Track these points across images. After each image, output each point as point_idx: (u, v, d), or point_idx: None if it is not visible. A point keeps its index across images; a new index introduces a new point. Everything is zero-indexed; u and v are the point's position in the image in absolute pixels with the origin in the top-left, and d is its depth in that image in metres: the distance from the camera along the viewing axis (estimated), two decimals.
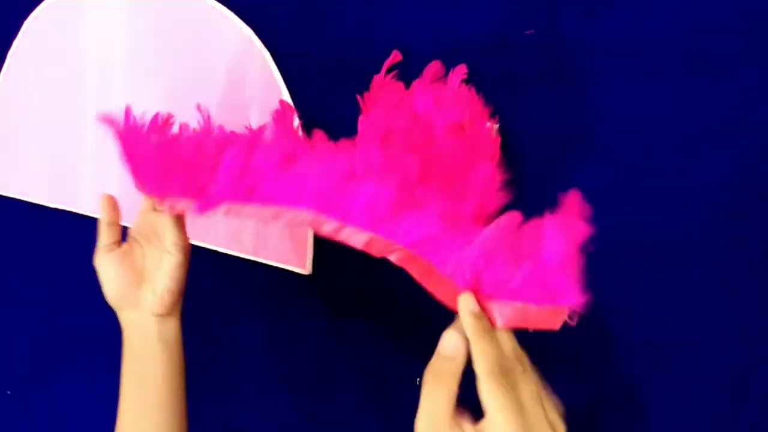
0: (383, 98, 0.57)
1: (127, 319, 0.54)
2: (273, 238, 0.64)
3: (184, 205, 0.49)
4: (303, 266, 0.63)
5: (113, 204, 0.55)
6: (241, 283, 0.66)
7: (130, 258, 0.54)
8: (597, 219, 0.58)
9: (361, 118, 0.56)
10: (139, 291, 0.53)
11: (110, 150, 0.67)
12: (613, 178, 0.57)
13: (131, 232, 0.56)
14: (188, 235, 0.54)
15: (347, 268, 0.63)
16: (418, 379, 0.61)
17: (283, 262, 0.63)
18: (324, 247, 0.63)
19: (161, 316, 0.53)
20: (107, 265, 0.53)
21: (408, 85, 0.58)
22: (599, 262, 0.57)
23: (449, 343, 0.42)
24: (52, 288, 0.71)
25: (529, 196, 0.57)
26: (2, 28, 0.70)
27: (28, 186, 0.71)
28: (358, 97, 0.57)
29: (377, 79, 0.58)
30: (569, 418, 0.58)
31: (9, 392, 0.72)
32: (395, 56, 0.59)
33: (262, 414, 0.66)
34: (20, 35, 0.70)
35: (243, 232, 0.64)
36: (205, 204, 0.48)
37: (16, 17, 0.69)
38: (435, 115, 0.56)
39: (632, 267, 0.56)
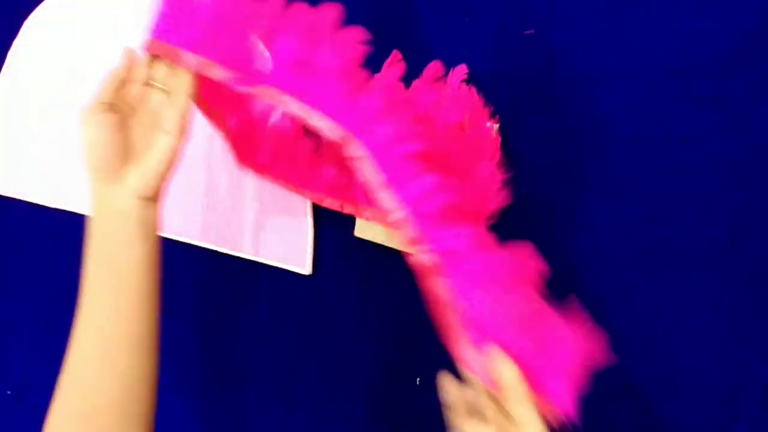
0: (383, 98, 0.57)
1: (104, 195, 0.46)
2: (273, 239, 0.64)
3: (220, 72, 0.45)
4: (303, 266, 0.63)
5: (136, 61, 0.46)
6: (241, 283, 0.66)
7: (124, 125, 0.46)
8: (597, 218, 0.58)
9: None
10: (124, 167, 0.46)
11: None
12: (613, 178, 0.57)
13: (117, 101, 0.47)
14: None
15: (347, 268, 0.63)
16: (418, 379, 0.61)
17: (283, 262, 0.63)
18: (324, 247, 0.63)
19: (144, 199, 0.46)
20: (97, 127, 0.44)
21: (408, 85, 0.58)
22: (599, 262, 0.57)
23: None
24: (53, 288, 0.71)
25: (529, 196, 0.57)
26: (2, 28, 0.70)
27: (28, 186, 0.71)
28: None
29: (377, 78, 0.58)
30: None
31: (9, 392, 0.72)
32: (395, 56, 0.59)
33: (261, 413, 0.66)
34: (20, 35, 0.70)
35: (243, 233, 0.64)
36: (247, 80, 0.45)
37: (16, 17, 0.69)
38: (435, 115, 0.56)
39: (631, 266, 0.56)
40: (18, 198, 0.71)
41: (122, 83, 0.46)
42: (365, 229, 0.59)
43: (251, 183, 0.63)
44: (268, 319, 0.65)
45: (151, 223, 0.47)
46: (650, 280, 0.56)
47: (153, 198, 0.47)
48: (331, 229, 0.62)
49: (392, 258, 0.59)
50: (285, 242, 0.63)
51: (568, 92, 0.58)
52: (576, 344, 0.42)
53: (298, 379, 0.64)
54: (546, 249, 0.57)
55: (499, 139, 0.56)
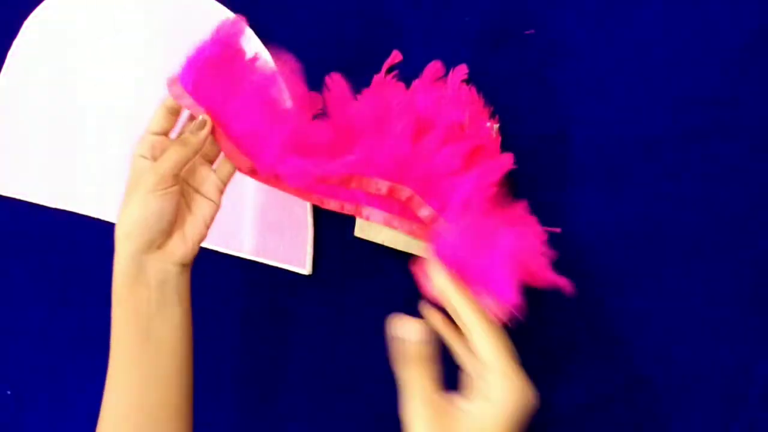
0: (383, 98, 0.57)
1: (144, 263, 0.45)
2: (273, 238, 0.64)
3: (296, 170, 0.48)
4: (303, 266, 0.63)
5: (206, 137, 0.47)
6: (241, 283, 0.66)
7: (179, 198, 0.46)
8: (597, 217, 0.58)
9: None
10: (169, 237, 0.46)
11: (110, 149, 0.68)
12: (613, 178, 0.57)
13: (178, 172, 0.46)
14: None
15: (347, 268, 0.63)
16: None
17: (283, 262, 0.63)
18: (324, 247, 0.63)
19: (184, 266, 0.47)
20: (161, 200, 0.44)
21: (408, 85, 0.58)
22: (597, 259, 0.57)
23: (401, 327, 0.42)
24: (52, 288, 0.71)
25: (529, 196, 0.57)
26: (2, 28, 0.70)
27: (28, 186, 0.71)
28: (359, 96, 0.57)
29: (377, 79, 0.58)
30: (568, 417, 0.58)
31: (9, 392, 0.72)
32: (395, 56, 0.59)
33: (260, 412, 0.66)
34: (20, 35, 0.70)
35: (243, 233, 0.64)
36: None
37: (16, 17, 0.69)
38: (435, 115, 0.56)
39: (630, 265, 0.57)
40: (18, 198, 0.71)
41: (194, 154, 0.46)
42: (365, 229, 0.59)
43: (251, 183, 0.63)
44: (268, 319, 0.65)
45: (186, 288, 0.47)
46: (650, 279, 0.56)
47: (189, 264, 0.47)
48: (331, 229, 0.62)
49: (392, 258, 0.59)
50: (285, 242, 0.63)
51: (568, 92, 0.58)
52: (516, 238, 0.43)
53: (298, 379, 0.64)
54: None
55: (499, 139, 0.56)
